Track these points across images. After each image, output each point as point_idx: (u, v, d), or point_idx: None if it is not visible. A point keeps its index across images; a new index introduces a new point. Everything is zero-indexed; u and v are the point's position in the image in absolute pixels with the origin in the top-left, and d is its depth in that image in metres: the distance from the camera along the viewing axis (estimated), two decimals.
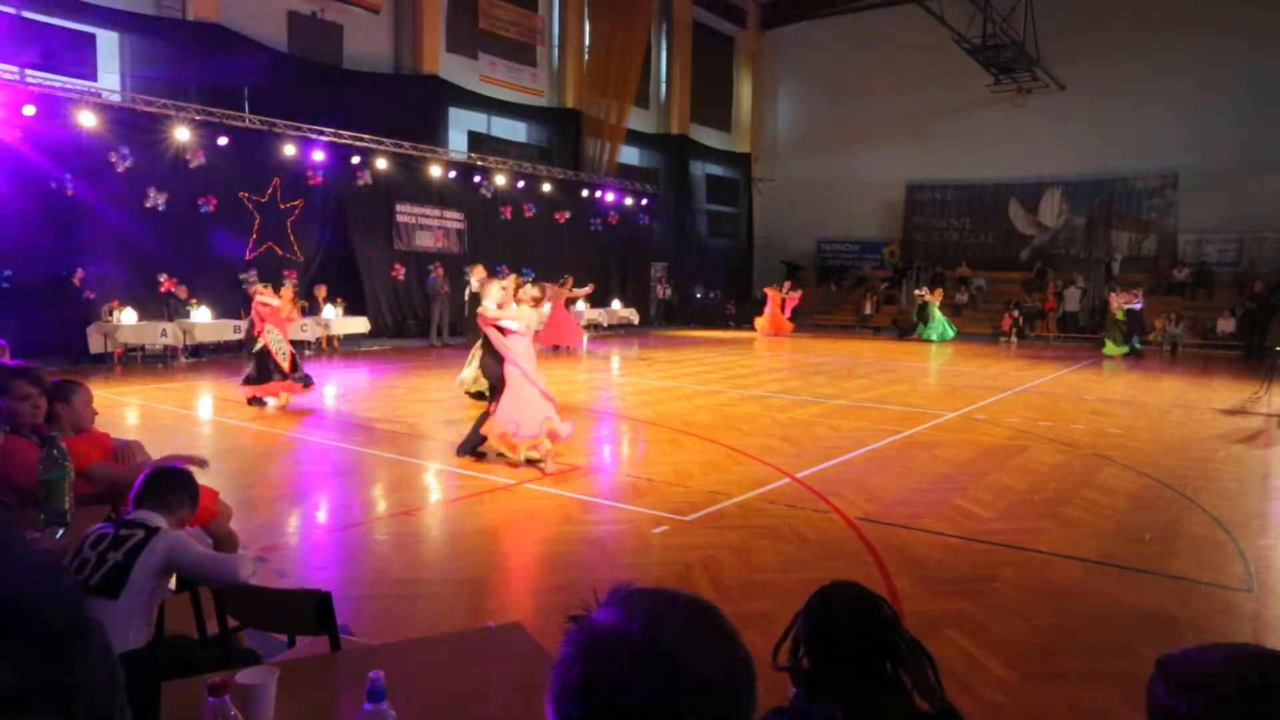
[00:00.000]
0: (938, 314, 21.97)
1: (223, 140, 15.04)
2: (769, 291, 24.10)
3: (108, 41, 15.10)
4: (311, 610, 2.36)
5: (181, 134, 14.46)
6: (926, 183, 28.24)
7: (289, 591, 2.72)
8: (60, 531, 2.85)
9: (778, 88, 31.28)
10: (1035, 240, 26.87)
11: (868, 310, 25.64)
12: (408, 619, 3.97)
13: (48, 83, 13.36)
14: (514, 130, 23.15)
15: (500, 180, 20.55)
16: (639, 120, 25.94)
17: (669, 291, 27.01)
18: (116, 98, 14.29)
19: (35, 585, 0.73)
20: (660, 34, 27.41)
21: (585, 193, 23.17)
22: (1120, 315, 18.77)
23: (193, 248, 14.75)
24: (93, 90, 14.01)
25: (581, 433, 8.77)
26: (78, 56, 14.58)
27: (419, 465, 7.18)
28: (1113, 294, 19.79)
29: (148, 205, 14.27)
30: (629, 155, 26.19)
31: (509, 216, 21.03)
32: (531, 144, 23.57)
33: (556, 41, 23.87)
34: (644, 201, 25.34)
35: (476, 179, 20.13)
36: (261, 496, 6.02)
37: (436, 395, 11.11)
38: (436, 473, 6.99)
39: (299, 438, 8.30)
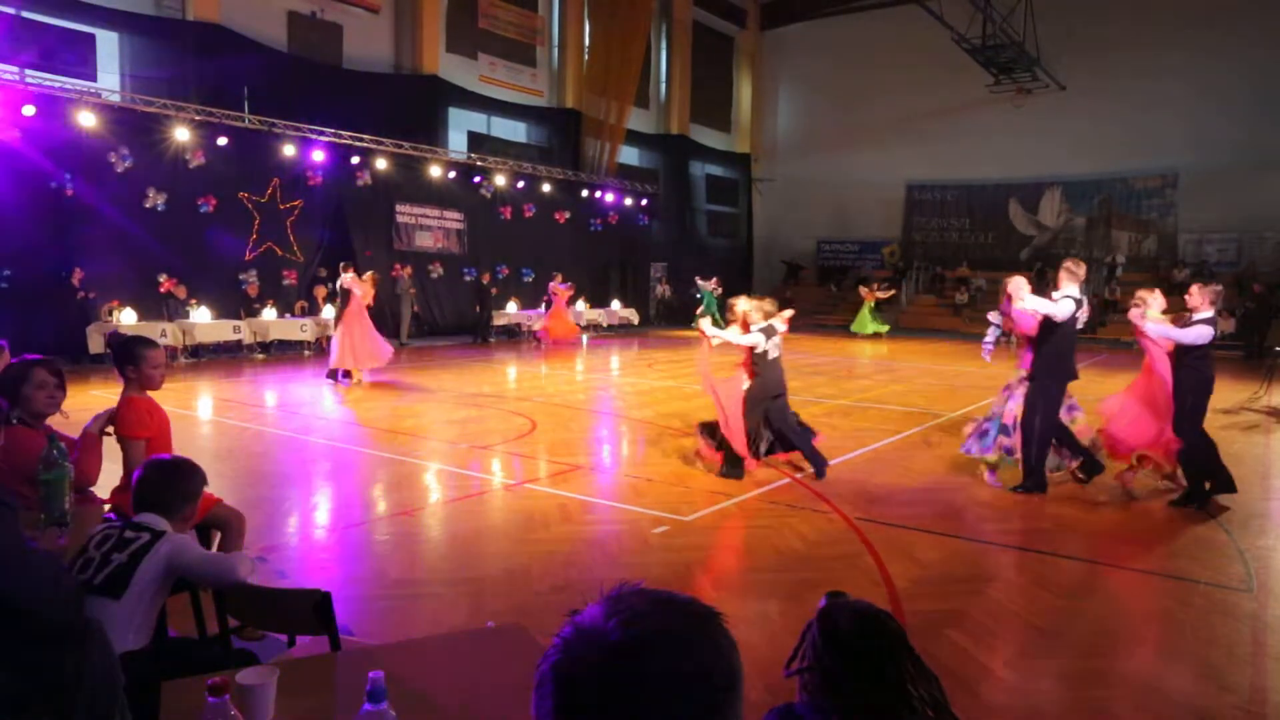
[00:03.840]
0: (713, 302, 22.79)
1: (222, 140, 15.03)
2: (554, 288, 19.33)
3: (108, 41, 15.10)
4: (311, 610, 2.36)
5: (181, 134, 14.46)
6: (926, 183, 28.25)
7: (289, 591, 2.72)
8: (60, 532, 2.85)
9: (778, 88, 31.28)
10: (1035, 240, 26.87)
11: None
12: (408, 619, 3.96)
13: (48, 83, 13.36)
14: (514, 130, 23.15)
15: (500, 180, 20.56)
16: (639, 120, 25.94)
17: (669, 291, 27.02)
18: (116, 98, 14.28)
19: (35, 586, 0.73)
20: (660, 34, 27.41)
21: (585, 193, 23.16)
22: (872, 304, 22.84)
23: (192, 248, 14.75)
24: (93, 90, 14.00)
25: (582, 433, 8.78)
26: (78, 56, 14.58)
27: (419, 465, 7.18)
28: (864, 288, 23.60)
29: (147, 205, 14.27)
30: (629, 155, 26.18)
31: (509, 216, 21.04)
32: (531, 144, 23.56)
33: (556, 41, 23.86)
34: (644, 201, 25.34)
35: (476, 179, 20.14)
36: (261, 496, 6.02)
37: (436, 395, 11.10)
38: (436, 473, 6.99)
39: (299, 438, 8.30)
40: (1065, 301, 6.10)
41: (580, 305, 22.74)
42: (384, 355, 11.91)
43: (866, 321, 22.84)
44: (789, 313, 7.54)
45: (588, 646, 0.83)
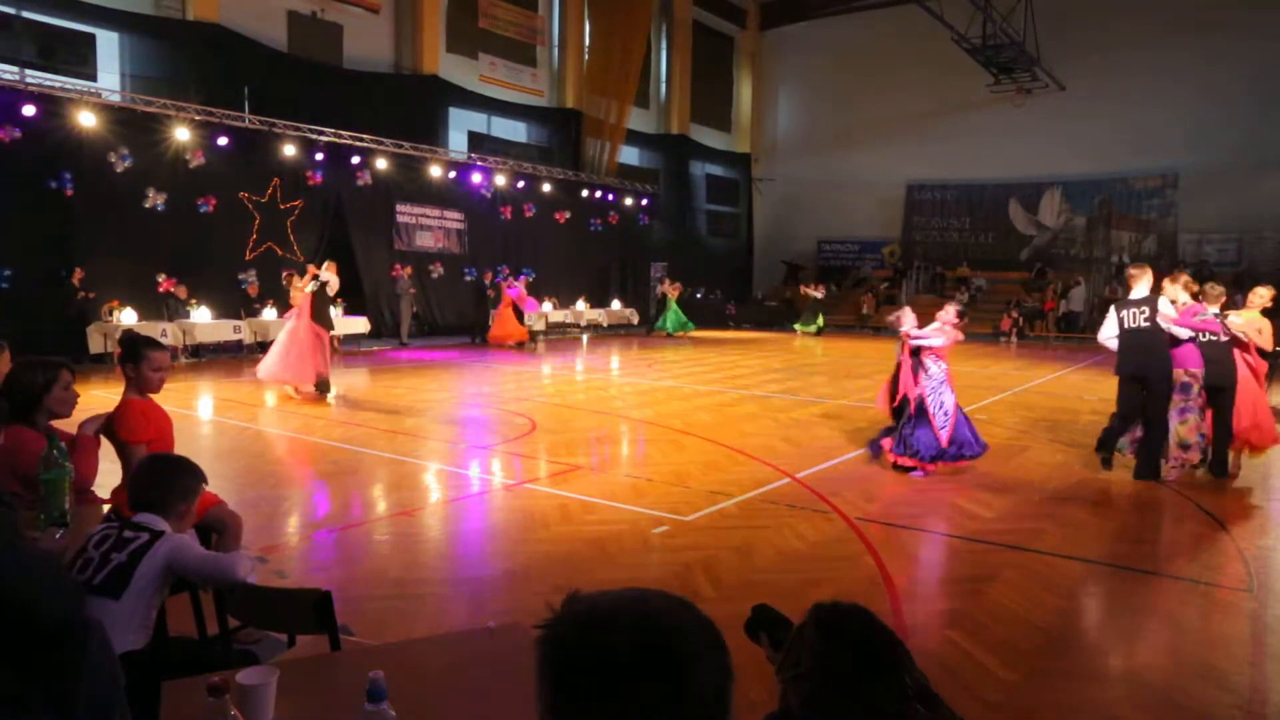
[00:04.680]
0: (674, 306, 22.41)
1: (223, 140, 15.03)
2: (504, 286, 18.54)
3: (108, 41, 15.10)
4: (311, 610, 2.36)
5: (181, 134, 14.46)
6: (926, 183, 28.26)
7: (289, 591, 2.72)
8: (60, 533, 2.85)
9: (778, 88, 31.29)
10: (1035, 240, 26.88)
11: (865, 310, 25.65)
12: (408, 619, 3.96)
13: (48, 83, 13.36)
14: (514, 130, 23.16)
15: (500, 180, 20.56)
16: (639, 120, 25.94)
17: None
18: (116, 98, 14.29)
19: (36, 586, 0.73)
20: (660, 34, 27.42)
21: (585, 193, 23.17)
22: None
23: (192, 248, 14.75)
24: (93, 90, 14.01)
25: (582, 433, 8.78)
26: (78, 56, 14.59)
27: (419, 465, 7.18)
28: (804, 286, 24.90)
29: (147, 205, 14.27)
30: (629, 155, 26.19)
31: (509, 216, 21.04)
32: (531, 144, 23.58)
33: (556, 41, 23.87)
34: (644, 201, 25.34)
35: (477, 179, 20.14)
36: (261, 496, 6.02)
37: (436, 395, 11.11)
38: (436, 473, 6.99)
39: (299, 438, 8.30)
40: (1106, 324, 7.01)
41: (580, 305, 22.74)
42: (305, 379, 10.28)
43: (813, 319, 23.69)
44: (936, 324, 7.19)
45: (569, 615, 0.87)
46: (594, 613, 0.87)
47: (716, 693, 0.85)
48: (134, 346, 3.61)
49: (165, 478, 2.59)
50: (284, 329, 10.57)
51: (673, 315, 22.25)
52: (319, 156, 16.56)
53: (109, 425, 3.51)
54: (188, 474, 2.63)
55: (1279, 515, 6.25)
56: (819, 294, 24.49)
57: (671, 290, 22.68)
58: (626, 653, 0.83)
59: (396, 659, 2.12)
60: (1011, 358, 18.06)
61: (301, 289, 10.49)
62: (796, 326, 24.05)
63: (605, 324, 22.97)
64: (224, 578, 2.45)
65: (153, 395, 3.67)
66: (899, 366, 7.08)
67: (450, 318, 19.69)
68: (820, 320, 23.79)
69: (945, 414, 6.84)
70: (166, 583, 2.45)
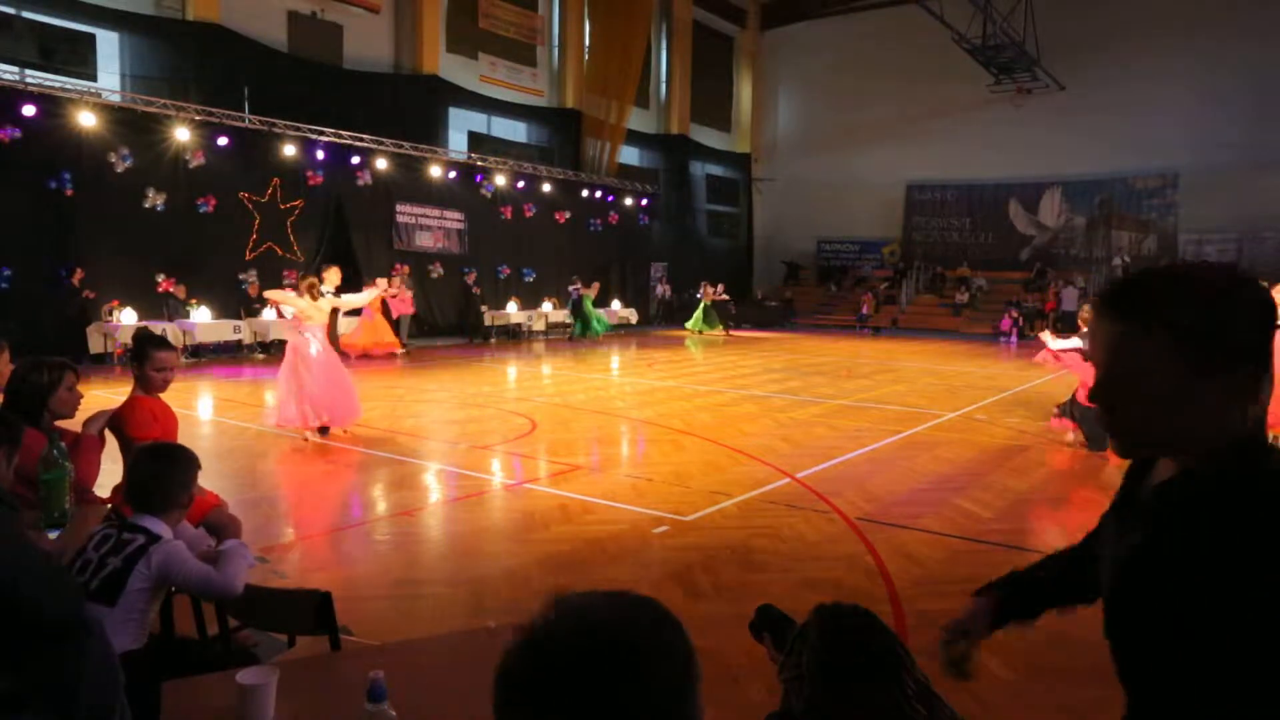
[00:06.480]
0: (591, 308, 21.15)
1: (222, 140, 15.03)
2: (375, 287, 13.98)
3: (108, 41, 15.10)
4: (311, 610, 2.36)
5: (181, 134, 14.46)
6: (926, 183, 28.27)
7: (289, 591, 2.72)
8: (58, 533, 2.84)
9: (778, 88, 31.30)
10: (1035, 240, 26.89)
11: (865, 310, 25.65)
12: (408, 619, 3.97)
13: (48, 83, 13.37)
14: (514, 130, 23.16)
15: (500, 180, 20.56)
16: (639, 120, 25.94)
17: (669, 291, 27.02)
18: (116, 98, 14.29)
19: (37, 584, 0.73)
20: (660, 34, 27.42)
21: (585, 193, 23.17)
22: (709, 303, 22.86)
23: (192, 248, 14.75)
24: (93, 90, 14.01)
25: (582, 433, 8.78)
26: (78, 56, 14.59)
27: (419, 465, 7.18)
28: (706, 285, 23.41)
29: (147, 205, 14.27)
30: (629, 155, 26.18)
31: (509, 216, 21.04)
32: (531, 144, 23.57)
33: (556, 41, 23.87)
34: (644, 201, 25.34)
35: (477, 179, 20.14)
36: (261, 496, 6.02)
37: (436, 395, 11.11)
38: (436, 473, 6.99)
39: (299, 438, 8.28)
40: None
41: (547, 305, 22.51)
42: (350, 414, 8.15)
43: (702, 320, 22.80)
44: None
45: (521, 646, 0.85)
46: (536, 637, 0.85)
47: (673, 699, 0.83)
48: (140, 345, 3.64)
49: (163, 473, 2.54)
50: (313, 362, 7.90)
51: (595, 317, 21.06)
52: (319, 156, 16.56)
53: (116, 422, 3.51)
54: (179, 466, 2.58)
55: None
56: (724, 299, 23.57)
57: (590, 291, 21.25)
58: (563, 676, 0.81)
59: (396, 659, 2.12)
60: (1011, 358, 18.06)
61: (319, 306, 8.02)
62: (689, 325, 22.94)
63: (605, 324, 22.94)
64: (218, 595, 2.43)
65: (159, 395, 3.69)
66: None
67: (450, 318, 19.70)
68: (703, 322, 22.71)
69: None
70: (161, 589, 2.43)
